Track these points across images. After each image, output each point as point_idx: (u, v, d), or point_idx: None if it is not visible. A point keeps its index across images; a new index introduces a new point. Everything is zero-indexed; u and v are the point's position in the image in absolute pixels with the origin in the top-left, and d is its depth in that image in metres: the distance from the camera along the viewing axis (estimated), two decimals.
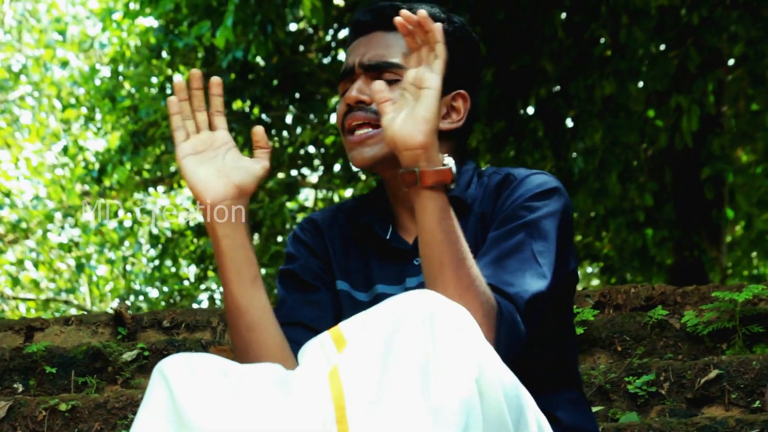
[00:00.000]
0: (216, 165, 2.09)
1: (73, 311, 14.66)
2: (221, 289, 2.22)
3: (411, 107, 1.99)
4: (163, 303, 13.83)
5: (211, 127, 2.12)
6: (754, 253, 11.73)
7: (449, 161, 2.01)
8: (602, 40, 8.78)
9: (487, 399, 1.78)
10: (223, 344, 3.89)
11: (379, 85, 2.02)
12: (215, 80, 2.11)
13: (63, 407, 3.48)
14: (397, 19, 1.99)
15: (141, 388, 3.74)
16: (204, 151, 2.10)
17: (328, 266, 2.27)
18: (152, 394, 1.85)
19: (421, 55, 2.01)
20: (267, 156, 2.12)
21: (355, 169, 2.29)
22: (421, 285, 2.07)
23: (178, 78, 2.16)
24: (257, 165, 2.11)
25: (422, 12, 1.97)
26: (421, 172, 1.97)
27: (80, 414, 3.47)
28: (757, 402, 3.31)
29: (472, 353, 1.77)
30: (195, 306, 13.11)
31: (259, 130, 2.12)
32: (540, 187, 2.17)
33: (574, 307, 3.95)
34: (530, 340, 2.09)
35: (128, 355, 3.89)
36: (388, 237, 2.25)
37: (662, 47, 9.03)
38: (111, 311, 4.34)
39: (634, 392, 3.41)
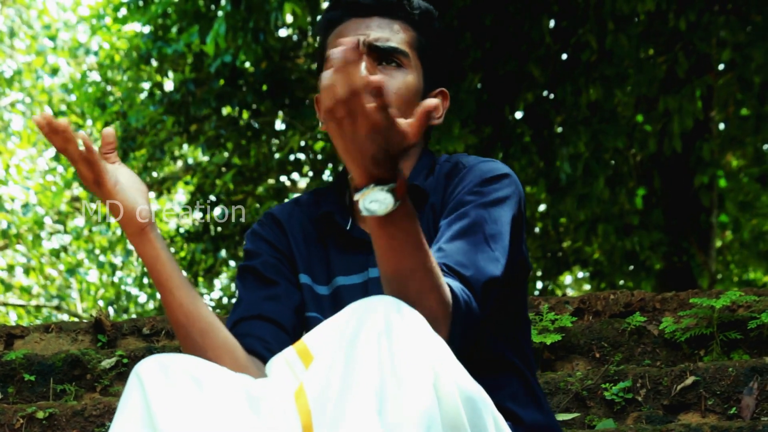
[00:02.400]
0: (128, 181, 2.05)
1: (65, 317, 14.63)
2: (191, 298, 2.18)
3: None
4: (152, 308, 13.81)
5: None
6: (742, 258, 11.74)
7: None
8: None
9: (444, 406, 1.77)
10: None
11: None
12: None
13: (40, 415, 3.47)
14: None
15: (119, 395, 3.72)
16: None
17: (291, 260, 2.24)
18: (128, 400, 1.85)
19: None
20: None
21: None
22: None
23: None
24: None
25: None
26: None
27: (58, 421, 3.47)
28: (734, 408, 3.31)
29: (429, 362, 1.76)
30: None
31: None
32: (490, 172, 2.13)
33: (553, 314, 3.94)
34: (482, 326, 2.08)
35: (107, 363, 3.88)
36: (348, 227, 2.21)
37: (650, 52, 9.04)
38: (92, 318, 4.33)
39: (611, 399, 3.40)
